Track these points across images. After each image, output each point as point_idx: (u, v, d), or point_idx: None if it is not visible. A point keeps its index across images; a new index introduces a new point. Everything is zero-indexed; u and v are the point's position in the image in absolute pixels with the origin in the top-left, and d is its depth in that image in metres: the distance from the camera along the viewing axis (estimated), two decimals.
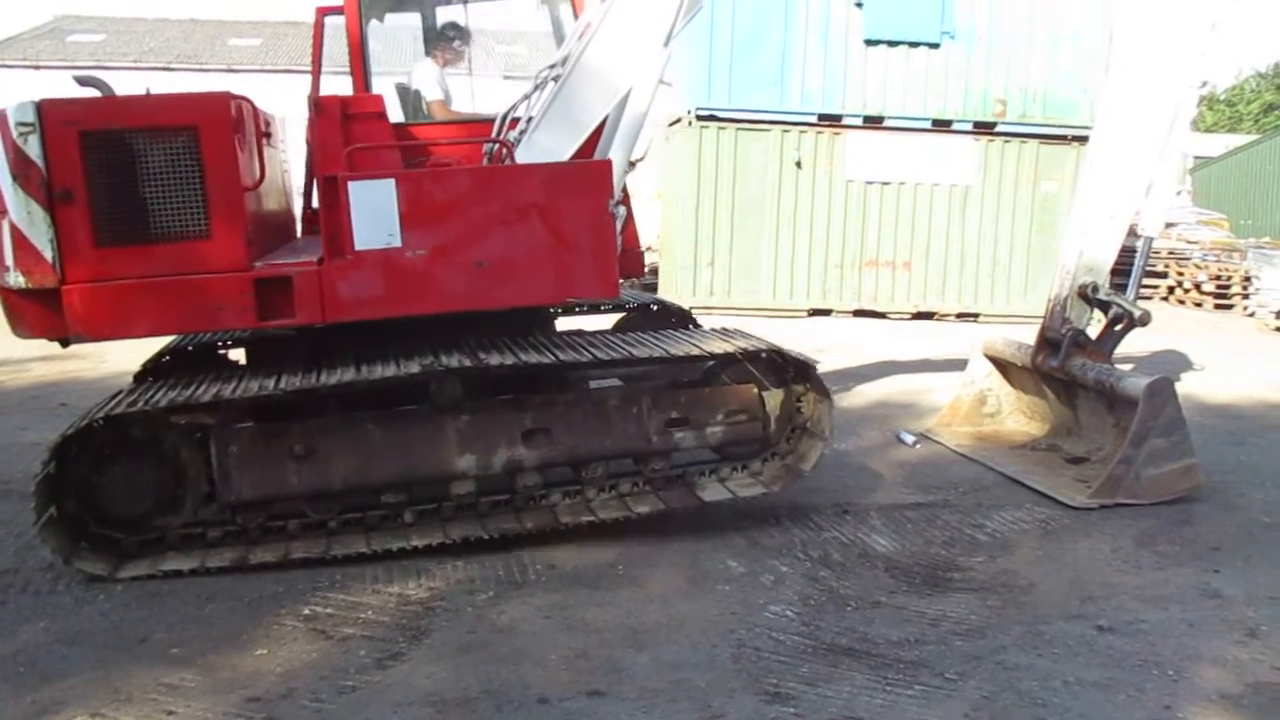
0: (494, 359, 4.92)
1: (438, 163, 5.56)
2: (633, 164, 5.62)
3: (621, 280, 5.44)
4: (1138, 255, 6.70)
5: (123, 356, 6.85)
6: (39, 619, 4.22)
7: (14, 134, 4.51)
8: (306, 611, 4.29)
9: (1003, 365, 7.31)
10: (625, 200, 5.79)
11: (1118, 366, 6.42)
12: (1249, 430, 7.71)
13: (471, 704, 3.51)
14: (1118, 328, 6.46)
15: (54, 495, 4.54)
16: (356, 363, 4.99)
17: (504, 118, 5.54)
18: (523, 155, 5.26)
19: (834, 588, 4.57)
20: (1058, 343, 6.49)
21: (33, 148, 4.52)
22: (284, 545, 4.86)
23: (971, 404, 7.42)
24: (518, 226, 5.01)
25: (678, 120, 14.62)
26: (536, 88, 5.46)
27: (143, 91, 5.14)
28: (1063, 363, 6.41)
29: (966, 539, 5.24)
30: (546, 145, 5.26)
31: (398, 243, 4.87)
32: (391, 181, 4.88)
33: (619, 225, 5.64)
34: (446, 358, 4.92)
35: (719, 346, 5.25)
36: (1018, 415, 7.35)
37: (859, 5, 13.74)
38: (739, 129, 13.77)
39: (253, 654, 3.91)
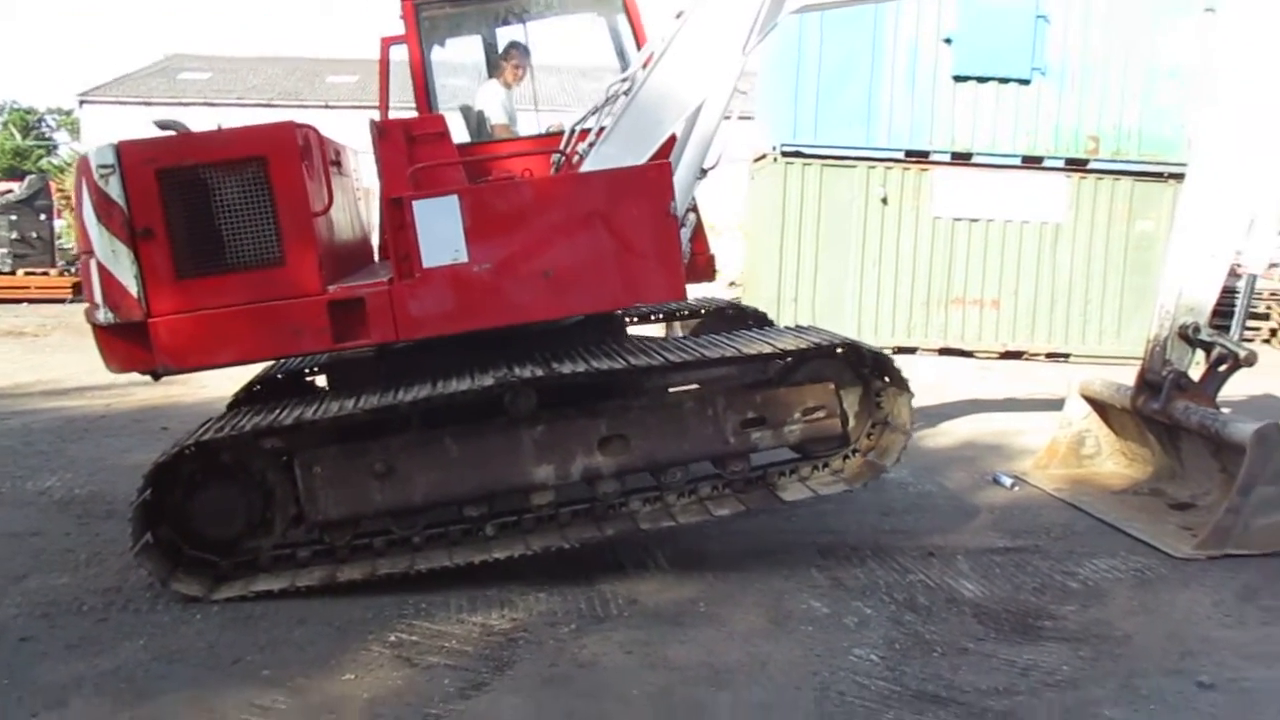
0: (566, 367, 4.96)
1: (501, 178, 5.65)
2: (704, 172, 5.63)
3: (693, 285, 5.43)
4: (1241, 294, 6.49)
5: (220, 383, 7.10)
6: (139, 637, 4.37)
7: (95, 176, 4.74)
8: (393, 639, 4.36)
9: (1101, 407, 7.11)
10: (695, 208, 5.82)
11: (1222, 410, 6.20)
12: None
13: None
14: (1221, 369, 6.25)
15: (150, 521, 4.70)
16: (432, 379, 5.08)
17: (572, 130, 5.61)
18: (590, 168, 5.29)
19: (920, 632, 4.48)
20: (1159, 385, 6.29)
21: (114, 188, 4.75)
22: (370, 562, 4.95)
23: (1069, 446, 7.23)
24: (581, 234, 5.05)
25: (763, 156, 14.64)
26: (607, 100, 5.51)
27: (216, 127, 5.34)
28: (1164, 406, 6.21)
29: (1058, 586, 5.09)
30: (615, 158, 5.27)
31: (464, 258, 4.95)
32: (454, 198, 4.96)
33: (689, 232, 5.65)
34: (519, 369, 4.98)
35: (793, 343, 5.22)
36: (1117, 458, 7.14)
37: (948, 41, 13.65)
38: (824, 165, 13.71)
39: (341, 679, 3.99)
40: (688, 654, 4.22)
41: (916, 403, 5.36)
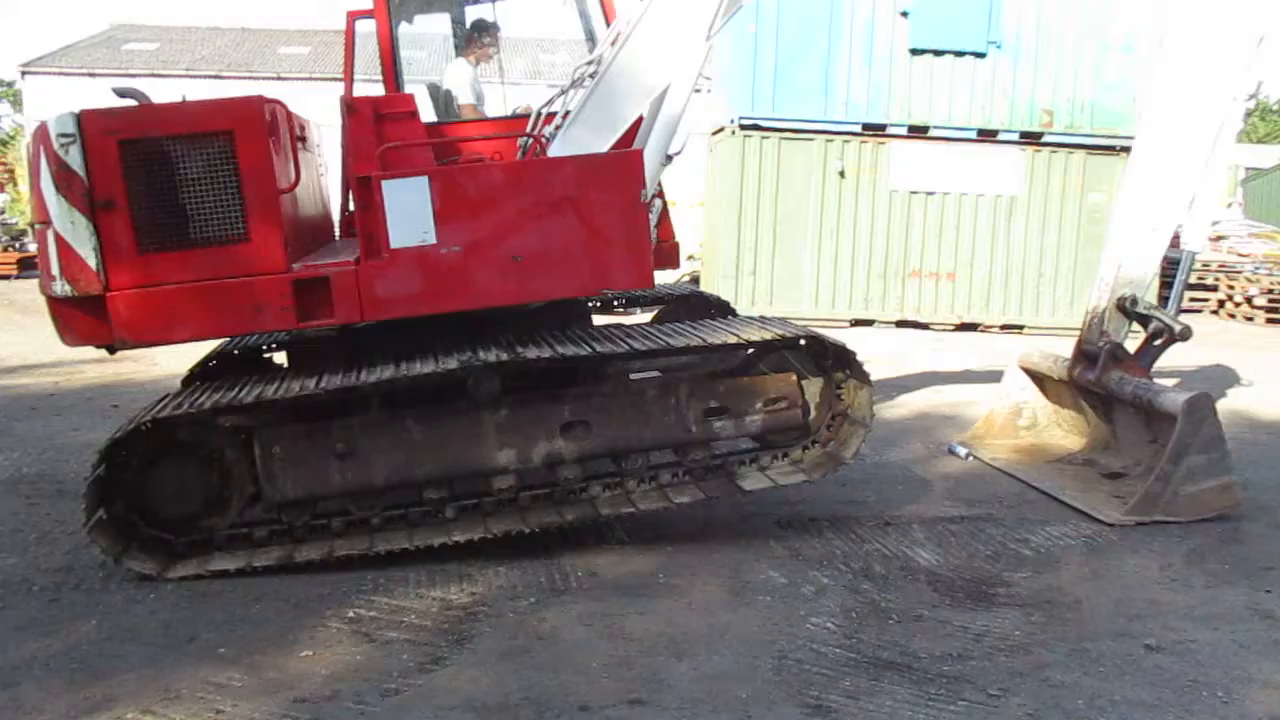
0: (531, 352, 4.94)
1: (471, 160, 5.61)
2: (669, 158, 5.60)
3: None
4: (1180, 269, 6.59)
5: (172, 359, 7.00)
6: (91, 617, 4.31)
7: (55, 145, 4.60)
8: (351, 614, 4.34)
9: (1039, 378, 7.22)
10: (660, 194, 5.81)
11: (1163, 380, 6.31)
12: None
13: (513, 710, 3.54)
14: (1157, 342, 6.37)
15: (104, 497, 4.63)
16: (396, 361, 5.03)
17: (539, 113, 5.57)
18: (557, 151, 5.26)
19: (876, 600, 4.54)
20: (1095, 356, 6.39)
21: (74, 158, 4.62)
22: (328, 543, 4.92)
23: (1007, 417, 7.34)
24: (551, 219, 5.02)
25: (721, 129, 14.63)
26: (574, 83, 5.47)
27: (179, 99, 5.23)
28: (1100, 376, 6.31)
29: (1011, 554, 5.18)
30: (582, 141, 5.25)
31: (433, 240, 4.90)
32: (425, 179, 4.91)
33: (654, 218, 5.65)
34: (484, 353, 4.94)
35: (757, 334, 5.24)
36: (1054, 429, 7.26)
37: (904, 14, 13.69)
38: (782, 138, 13.76)
39: (298, 655, 3.96)
40: (647, 625, 4.25)
41: (874, 375, 5.40)
